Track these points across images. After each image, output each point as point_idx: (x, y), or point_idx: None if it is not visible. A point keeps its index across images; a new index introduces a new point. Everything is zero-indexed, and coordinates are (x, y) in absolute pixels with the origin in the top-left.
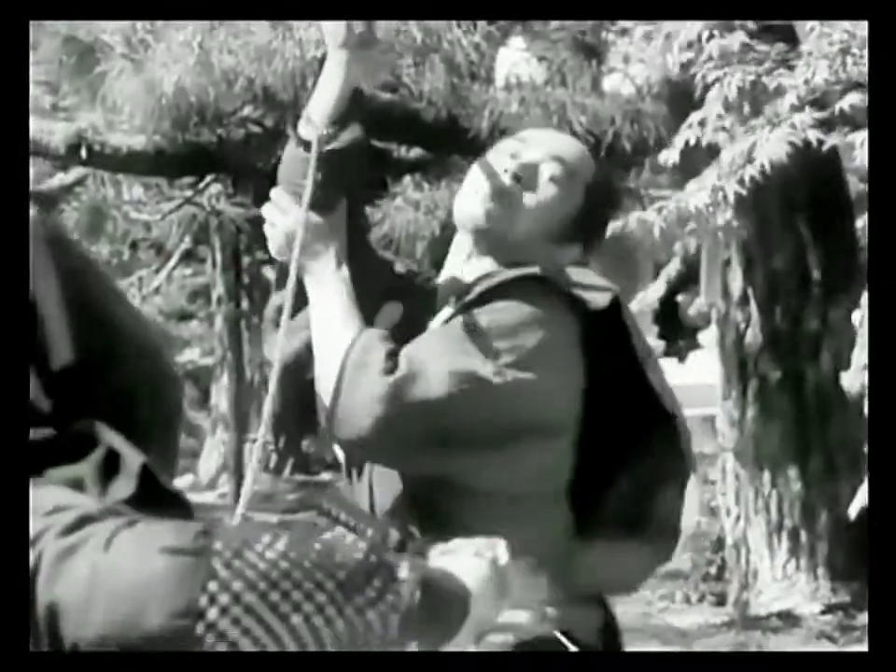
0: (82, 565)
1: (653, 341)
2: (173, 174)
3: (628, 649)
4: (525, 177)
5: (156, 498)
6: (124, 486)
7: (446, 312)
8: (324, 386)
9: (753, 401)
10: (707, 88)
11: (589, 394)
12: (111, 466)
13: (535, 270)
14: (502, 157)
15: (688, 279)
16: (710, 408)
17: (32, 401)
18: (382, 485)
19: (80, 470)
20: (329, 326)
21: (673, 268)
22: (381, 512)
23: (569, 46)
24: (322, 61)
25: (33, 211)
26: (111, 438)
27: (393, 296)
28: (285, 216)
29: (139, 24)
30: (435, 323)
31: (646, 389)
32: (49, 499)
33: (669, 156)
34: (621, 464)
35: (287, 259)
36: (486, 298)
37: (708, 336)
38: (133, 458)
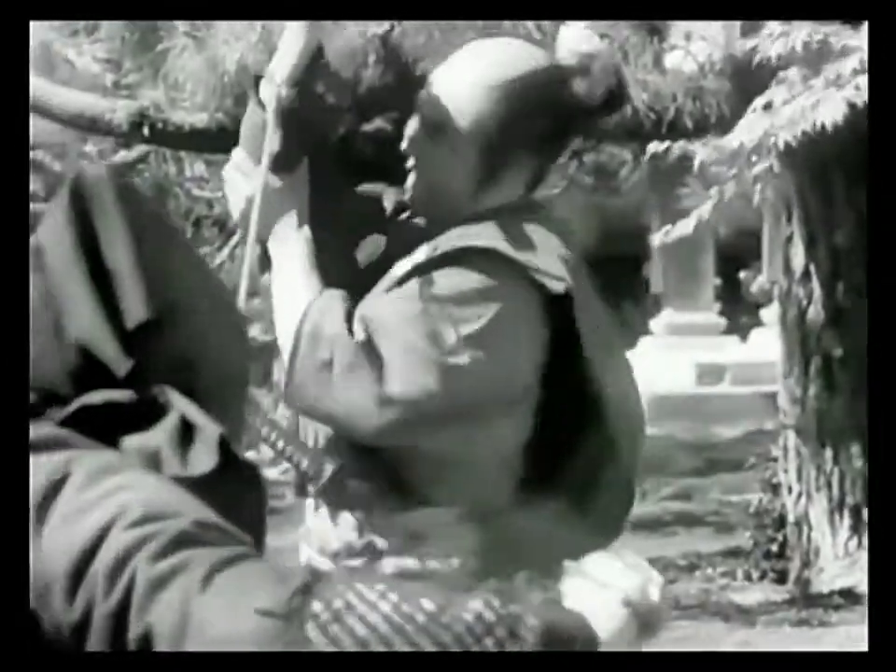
0: (176, 599)
1: (715, 318)
2: (229, 150)
3: (691, 626)
4: (410, 150)
5: (234, 472)
6: (204, 459)
7: (405, 264)
8: (282, 349)
9: (815, 378)
10: (770, 65)
11: (546, 368)
12: (185, 436)
13: (496, 244)
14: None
15: (749, 255)
16: (772, 385)
17: (109, 363)
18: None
19: (154, 439)
20: (288, 287)
21: (706, 210)
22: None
23: (631, 23)
24: (384, 38)
25: (103, 171)
26: (184, 406)
27: (381, 230)
28: (245, 178)
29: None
30: (395, 271)
31: (591, 384)
32: (134, 495)
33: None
34: (572, 442)
35: (247, 223)
36: (446, 261)
37: (771, 313)
38: (210, 428)
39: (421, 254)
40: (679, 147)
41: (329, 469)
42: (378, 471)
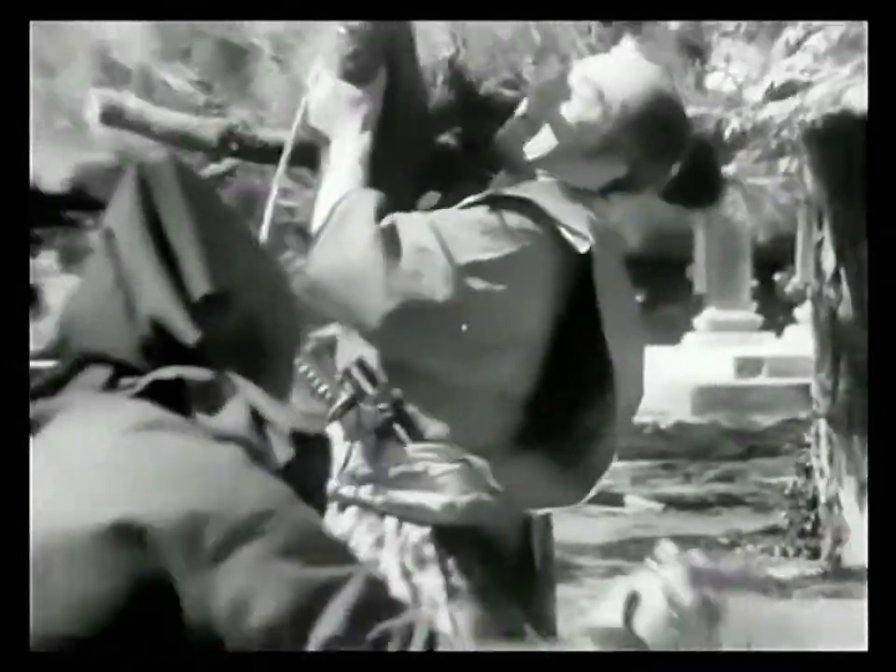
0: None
1: (752, 316)
2: (315, 164)
3: (732, 599)
4: (545, 94)
5: (305, 454)
6: (281, 452)
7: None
8: (315, 232)
9: (846, 373)
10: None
11: (560, 326)
12: (258, 425)
13: (533, 197)
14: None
15: (784, 259)
16: (805, 378)
17: (178, 334)
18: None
19: (230, 424)
20: (336, 179)
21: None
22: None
23: (674, 47)
24: (451, 60)
25: (165, 157)
26: (253, 396)
27: (437, 175)
28: (319, 85)
29: (285, 27)
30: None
31: (602, 354)
32: (253, 482)
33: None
34: (573, 405)
35: (321, 126)
36: (486, 201)
37: (804, 312)
38: (282, 421)
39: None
40: (715, 113)
41: (343, 396)
42: (387, 400)
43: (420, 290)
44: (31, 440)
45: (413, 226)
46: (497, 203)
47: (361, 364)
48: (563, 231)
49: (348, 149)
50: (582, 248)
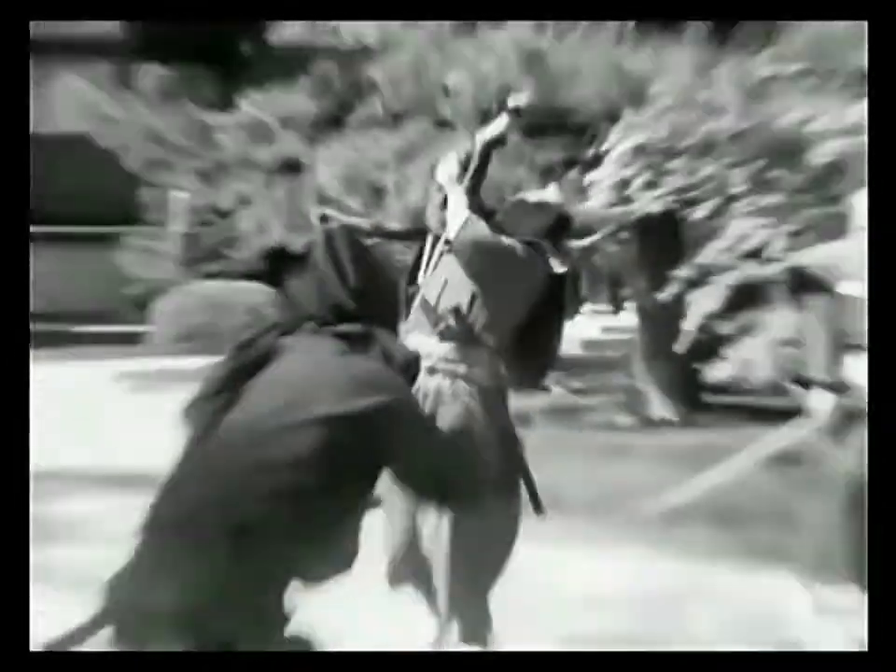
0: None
1: (607, 307)
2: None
3: None
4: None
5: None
6: (402, 366)
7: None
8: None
9: (643, 326)
10: None
11: (540, 299)
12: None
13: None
14: None
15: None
16: (631, 334)
17: (339, 305)
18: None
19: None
20: (454, 213)
21: None
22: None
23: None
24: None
25: (342, 228)
26: (385, 340)
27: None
28: (443, 166)
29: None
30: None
31: (560, 312)
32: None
33: None
34: (545, 332)
35: (446, 186)
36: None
37: (631, 306)
38: (400, 355)
39: None
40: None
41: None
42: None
43: (458, 226)
44: (272, 363)
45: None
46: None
47: (456, 310)
48: (551, 259)
49: (457, 197)
50: (562, 270)
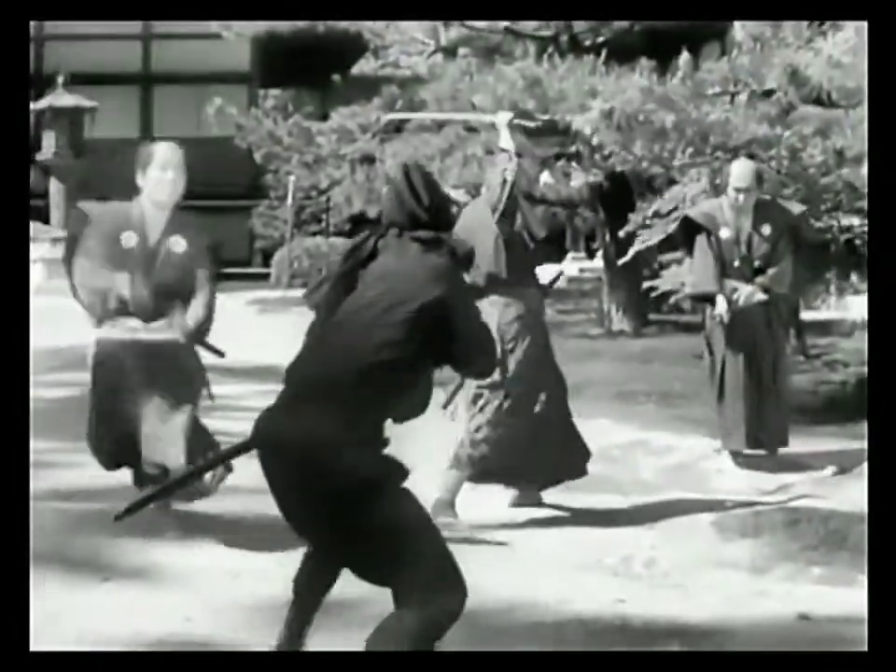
0: None
1: (583, 254)
2: None
3: None
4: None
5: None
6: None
7: None
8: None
9: (607, 267)
10: None
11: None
12: None
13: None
14: None
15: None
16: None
17: (414, 215)
18: None
19: None
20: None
21: None
22: None
23: None
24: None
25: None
26: (450, 241)
27: None
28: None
29: None
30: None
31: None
32: None
33: None
34: None
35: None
36: None
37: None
38: (468, 251)
39: None
40: None
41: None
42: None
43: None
44: (373, 261)
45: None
46: None
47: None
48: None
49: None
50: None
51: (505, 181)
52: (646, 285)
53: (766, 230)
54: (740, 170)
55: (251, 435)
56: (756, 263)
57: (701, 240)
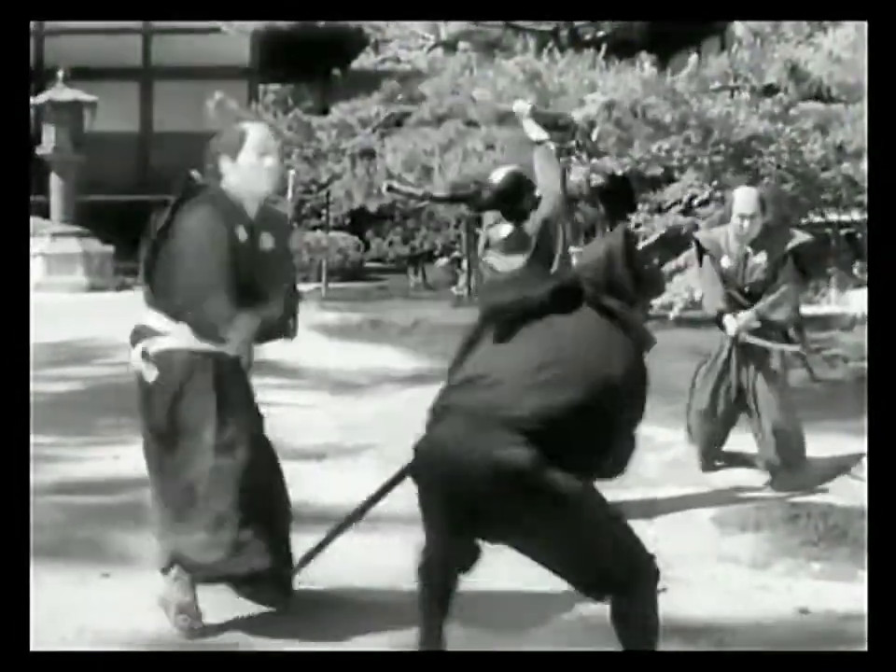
0: None
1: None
2: None
3: None
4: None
5: None
6: None
7: None
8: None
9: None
10: None
11: None
12: None
13: None
14: None
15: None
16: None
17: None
18: None
19: None
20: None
21: None
22: None
23: None
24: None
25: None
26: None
27: None
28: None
29: None
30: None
31: None
32: None
33: None
34: None
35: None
36: None
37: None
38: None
39: None
40: None
41: None
42: None
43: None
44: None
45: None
46: None
47: None
48: None
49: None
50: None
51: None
52: (653, 307)
53: (761, 257)
54: (744, 197)
55: (413, 462)
56: (746, 289)
57: (707, 262)
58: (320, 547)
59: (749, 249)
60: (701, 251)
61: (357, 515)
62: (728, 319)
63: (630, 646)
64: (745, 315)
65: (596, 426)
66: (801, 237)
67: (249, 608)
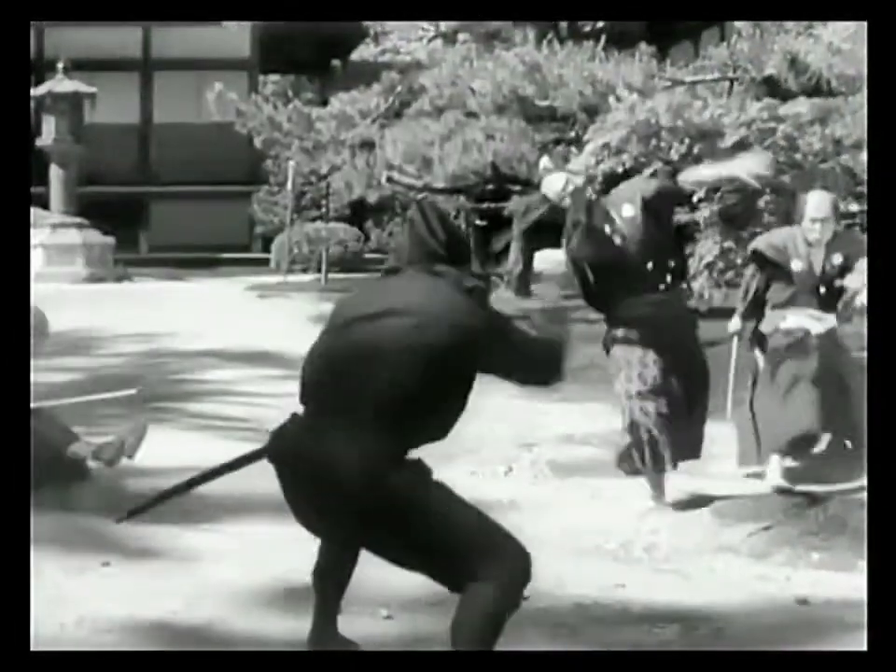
0: None
1: None
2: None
3: None
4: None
5: None
6: None
7: None
8: None
9: None
10: None
11: None
12: None
13: None
14: None
15: None
16: None
17: (432, 252)
18: None
19: None
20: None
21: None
22: None
23: None
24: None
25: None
26: (460, 277)
27: None
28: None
29: None
30: None
31: None
32: None
33: None
34: None
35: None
36: None
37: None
38: (480, 287)
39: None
40: None
41: None
42: None
43: None
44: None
45: None
46: None
47: None
48: None
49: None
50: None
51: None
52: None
53: (837, 259)
54: (817, 200)
55: (267, 446)
56: (822, 290)
57: (749, 271)
58: (158, 499)
59: (821, 254)
60: (760, 260)
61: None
62: (734, 318)
63: (460, 643)
64: (826, 318)
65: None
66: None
67: (249, 590)
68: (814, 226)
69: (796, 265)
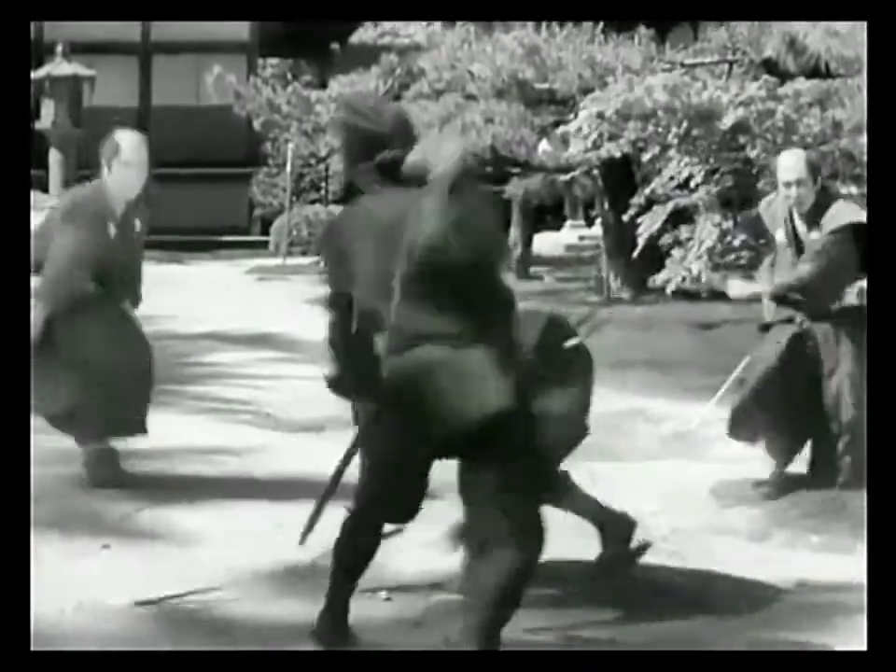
0: None
1: (582, 222)
2: None
3: None
4: None
5: None
6: None
7: None
8: None
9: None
10: None
11: None
12: None
13: None
14: None
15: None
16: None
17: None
18: None
19: None
20: None
21: None
22: None
23: None
24: None
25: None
26: None
27: None
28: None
29: None
30: None
31: None
32: None
33: None
34: None
35: None
36: None
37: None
38: None
39: None
40: None
41: None
42: None
43: None
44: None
45: None
46: None
47: None
48: None
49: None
50: None
51: None
52: (652, 280)
53: (815, 234)
54: (789, 160)
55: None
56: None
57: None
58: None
59: (801, 223)
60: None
61: (337, 477)
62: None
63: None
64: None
65: None
66: (859, 213)
67: (249, 571)
68: (789, 190)
69: (778, 235)
